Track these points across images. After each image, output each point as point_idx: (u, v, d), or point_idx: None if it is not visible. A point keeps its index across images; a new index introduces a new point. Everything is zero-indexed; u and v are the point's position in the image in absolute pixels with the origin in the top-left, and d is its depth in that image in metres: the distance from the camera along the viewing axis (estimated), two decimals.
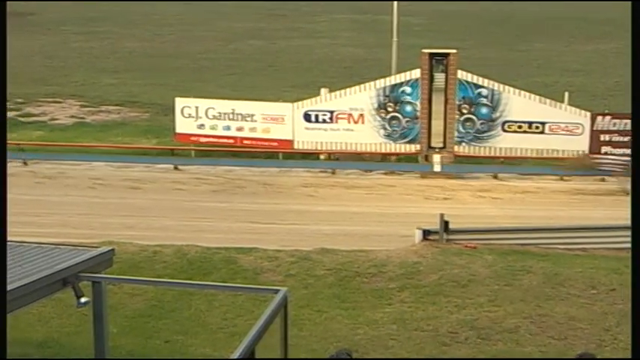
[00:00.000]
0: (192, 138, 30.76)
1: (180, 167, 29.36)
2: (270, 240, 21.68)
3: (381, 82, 30.09)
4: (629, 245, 9.21)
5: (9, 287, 10.01)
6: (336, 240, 21.75)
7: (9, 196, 24.55)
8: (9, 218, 20.20)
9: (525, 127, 29.36)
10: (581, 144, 29.23)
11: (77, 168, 29.09)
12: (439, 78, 29.92)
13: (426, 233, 20.88)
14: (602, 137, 29.19)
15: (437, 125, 29.93)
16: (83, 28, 64.16)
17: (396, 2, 33.02)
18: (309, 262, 19.34)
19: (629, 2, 10.18)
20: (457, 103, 29.59)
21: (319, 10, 72.76)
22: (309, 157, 30.37)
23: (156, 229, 22.81)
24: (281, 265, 19.14)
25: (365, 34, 58.40)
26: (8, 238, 13.41)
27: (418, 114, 29.88)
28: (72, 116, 36.12)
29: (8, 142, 30.63)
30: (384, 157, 30.65)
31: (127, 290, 16.95)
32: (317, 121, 30.20)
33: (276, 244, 21.05)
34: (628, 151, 25.19)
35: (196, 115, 30.57)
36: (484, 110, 29.64)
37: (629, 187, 11.45)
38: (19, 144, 30.66)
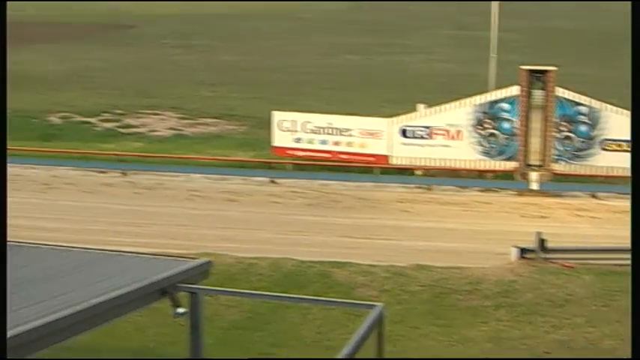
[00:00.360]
0: (289, 151, 30.89)
1: (276, 180, 29.50)
2: (365, 255, 21.66)
3: (478, 99, 29.88)
4: None
5: (110, 296, 10.17)
6: (430, 256, 21.63)
7: (112, 206, 24.99)
8: (109, 227, 20.55)
9: (625, 145, 28.85)
10: None
11: (175, 179, 29.43)
12: (537, 95, 29.57)
13: (523, 251, 20.67)
14: None
15: (535, 143, 29.58)
16: (182, 42, 65.01)
17: (495, 18, 32.79)
18: (403, 277, 19.29)
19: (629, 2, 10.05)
20: (556, 120, 29.23)
21: (416, 25, 72.64)
22: (404, 172, 30.27)
23: (252, 242, 22.95)
24: (375, 281, 19.11)
25: (461, 50, 58.12)
26: (109, 248, 13.64)
27: (516, 131, 29.58)
28: (170, 128, 36.57)
29: (108, 152, 31.40)
30: (481, 174, 30.39)
31: (222, 301, 17.09)
32: (413, 136, 30.11)
33: (370, 259, 21.03)
34: None
35: (293, 129, 30.72)
36: (583, 128, 29.23)
37: None
38: (118, 155, 31.16)
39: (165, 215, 25.64)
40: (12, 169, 29.75)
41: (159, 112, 39.18)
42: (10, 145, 32.16)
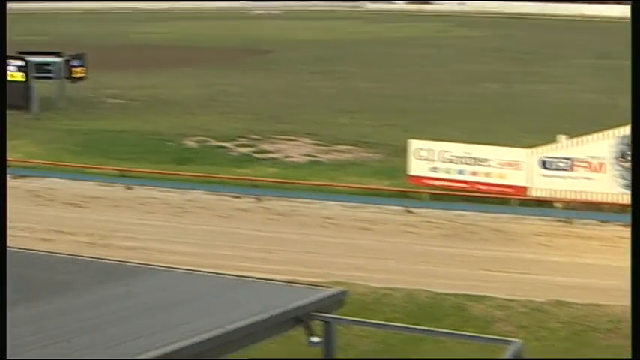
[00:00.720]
0: (425, 181, 30.80)
1: (412, 210, 29.41)
2: (501, 288, 21.41)
3: (622, 130, 29.30)
4: None
5: (244, 322, 10.28)
6: (569, 292, 21.25)
7: (246, 231, 25.31)
8: (243, 253, 20.79)
9: None
10: None
11: (310, 206, 29.62)
12: None
13: None
14: None
15: None
16: (319, 67, 65.55)
17: None
18: (541, 313, 19.00)
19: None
20: None
21: (557, 53, 71.77)
22: (543, 204, 29.84)
23: (385, 272, 22.92)
24: (513, 315, 18.88)
25: (604, 80, 57.12)
26: (242, 273, 13.79)
27: None
28: (306, 154, 36.86)
29: (242, 177, 31.84)
30: (623, 208, 29.73)
31: (355, 331, 17.09)
32: (554, 168, 29.68)
33: (507, 292, 20.77)
34: None
35: (430, 158, 30.64)
36: None
37: None
38: (253, 180, 31.56)
39: (298, 242, 25.84)
40: (147, 192, 30.62)
41: (294, 138, 39.52)
42: (146, 168, 33.04)
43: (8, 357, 9.13)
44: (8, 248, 15.46)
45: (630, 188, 8.96)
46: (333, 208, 29.63)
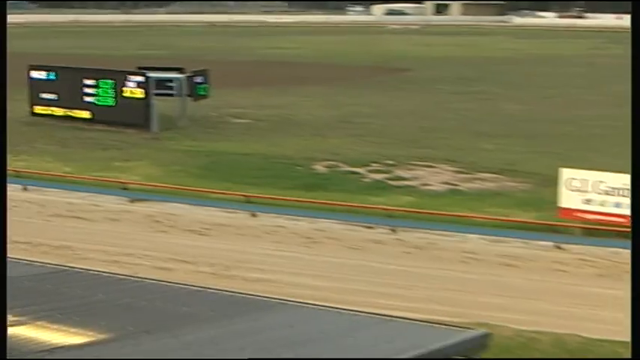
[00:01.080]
0: (577, 214, 30.38)
1: (562, 246, 29.05)
2: None
3: None
4: None
5: None
6: None
7: (379, 265, 25.45)
8: (376, 288, 20.92)
9: None
10: None
11: (448, 239, 29.52)
12: None
13: None
14: None
15: None
16: (460, 88, 65.44)
17: None
18: None
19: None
20: None
21: None
22: None
23: (532, 313, 22.68)
24: None
25: None
26: (375, 311, 13.85)
27: None
28: (444, 182, 36.77)
29: (376, 206, 31.93)
30: None
31: None
32: None
33: None
34: None
35: (584, 189, 30.21)
36: None
37: None
38: (387, 209, 31.61)
39: (436, 278, 25.76)
40: (274, 220, 31.00)
41: (432, 164, 39.48)
42: (272, 194, 33.43)
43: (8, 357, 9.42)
44: (125, 277, 15.85)
45: (630, 188, 9.12)
46: (475, 241, 29.47)
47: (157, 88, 45.30)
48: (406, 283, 25.13)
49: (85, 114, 46.72)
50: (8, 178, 36.65)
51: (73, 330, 10.90)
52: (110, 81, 45.69)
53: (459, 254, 28.14)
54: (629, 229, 30.00)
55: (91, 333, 10.80)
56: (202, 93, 47.65)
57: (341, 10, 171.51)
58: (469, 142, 44.33)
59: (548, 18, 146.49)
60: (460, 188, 36.08)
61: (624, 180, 30.24)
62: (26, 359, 9.79)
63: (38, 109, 48.05)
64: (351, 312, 12.90)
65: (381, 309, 21.73)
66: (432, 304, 23.15)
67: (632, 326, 8.71)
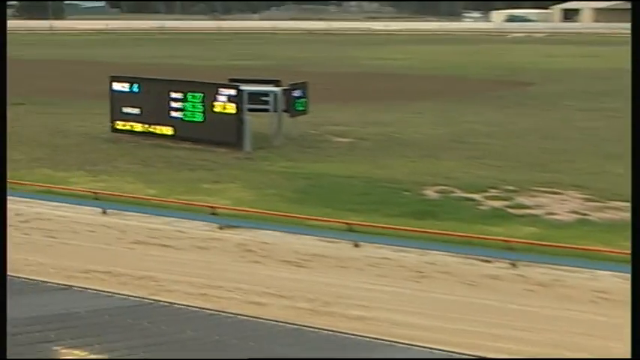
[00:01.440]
0: None
1: None
2: None
3: None
4: None
5: None
6: None
7: (497, 304, 25.27)
8: (491, 330, 20.85)
9: None
10: None
11: (577, 276, 29.12)
12: None
13: None
14: None
15: None
16: (589, 104, 64.79)
17: None
18: None
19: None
20: None
21: None
22: None
23: None
24: None
25: None
26: (490, 356, 13.74)
27: None
28: (573, 211, 36.32)
29: (494, 237, 31.61)
30: None
31: None
32: None
33: None
34: None
35: None
36: None
37: None
38: (507, 241, 31.27)
39: (562, 320, 25.41)
40: (378, 251, 30.88)
41: (558, 190, 39.05)
42: (377, 222, 33.40)
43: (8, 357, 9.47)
44: (214, 312, 15.93)
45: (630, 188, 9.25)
46: (607, 279, 29.02)
47: (251, 103, 45.35)
48: (529, 325, 24.82)
49: (169, 130, 46.91)
50: (86, 201, 37.28)
51: None
52: (199, 94, 45.75)
53: (588, 293, 27.73)
54: None
55: None
56: (300, 108, 47.74)
57: (455, 17, 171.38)
58: (599, 166, 43.82)
59: None
60: (590, 218, 35.63)
61: None
62: (26, 359, 9.90)
63: (120, 125, 48.35)
64: (466, 357, 12.80)
65: (501, 354, 21.57)
66: (559, 349, 22.86)
67: (632, 326, 8.66)
